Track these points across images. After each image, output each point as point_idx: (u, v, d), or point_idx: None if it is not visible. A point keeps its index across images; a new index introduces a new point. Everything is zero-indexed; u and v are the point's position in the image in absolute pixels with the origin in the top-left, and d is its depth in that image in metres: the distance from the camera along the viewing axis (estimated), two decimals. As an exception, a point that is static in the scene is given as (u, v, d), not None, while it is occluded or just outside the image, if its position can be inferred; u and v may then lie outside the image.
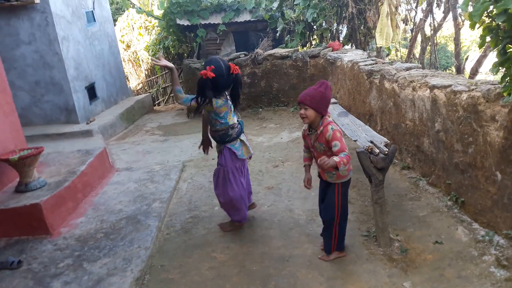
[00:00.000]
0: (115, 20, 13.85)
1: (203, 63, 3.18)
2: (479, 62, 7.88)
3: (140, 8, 12.07)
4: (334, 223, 2.95)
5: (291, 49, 8.60)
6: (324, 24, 8.80)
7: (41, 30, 6.90)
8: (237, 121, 3.43)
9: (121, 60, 10.89)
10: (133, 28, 15.19)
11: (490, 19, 2.56)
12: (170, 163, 5.60)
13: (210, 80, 3.08)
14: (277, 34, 9.75)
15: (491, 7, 2.46)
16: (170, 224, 3.86)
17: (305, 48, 9.59)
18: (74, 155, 4.96)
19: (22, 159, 3.80)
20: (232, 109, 3.37)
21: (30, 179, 3.92)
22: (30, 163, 3.90)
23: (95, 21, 8.87)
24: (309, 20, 8.74)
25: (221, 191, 3.48)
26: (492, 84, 3.07)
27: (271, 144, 6.08)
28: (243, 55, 8.65)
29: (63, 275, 3.07)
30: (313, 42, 9.69)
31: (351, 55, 6.74)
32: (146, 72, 15.50)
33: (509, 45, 2.47)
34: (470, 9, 2.57)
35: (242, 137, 3.45)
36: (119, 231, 3.69)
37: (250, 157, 3.55)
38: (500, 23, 2.46)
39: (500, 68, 2.60)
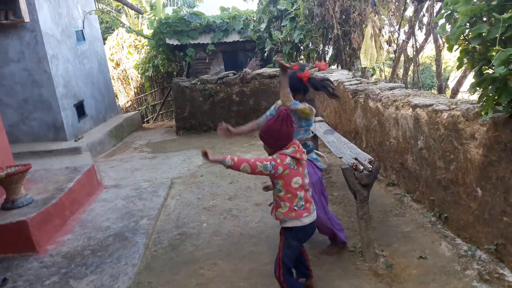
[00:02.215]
0: (105, 39, 13.95)
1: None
2: (459, 82, 8.12)
3: (130, 28, 12.20)
4: (276, 275, 2.52)
5: (279, 69, 8.75)
6: (310, 45, 9.01)
7: (30, 48, 6.93)
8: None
9: (110, 78, 10.94)
10: (122, 47, 15.31)
11: (467, 42, 2.68)
12: (158, 180, 5.60)
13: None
14: (265, 54, 9.95)
15: (467, 31, 2.58)
16: (157, 241, 3.85)
17: (292, 68, 9.77)
18: (61, 172, 4.95)
19: (9, 176, 3.78)
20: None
21: (17, 196, 3.89)
22: (17, 180, 3.88)
23: (84, 39, 8.94)
24: (296, 41, 8.95)
25: None
26: (471, 104, 3.16)
27: (259, 162, 6.11)
28: (232, 74, 8.80)
29: (49, 293, 3.05)
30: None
31: (336, 75, 6.90)
32: (135, 90, 15.57)
33: (485, 67, 2.57)
34: (449, 32, 2.70)
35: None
36: (106, 248, 3.68)
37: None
38: (476, 46, 2.58)
39: (477, 88, 2.71)
